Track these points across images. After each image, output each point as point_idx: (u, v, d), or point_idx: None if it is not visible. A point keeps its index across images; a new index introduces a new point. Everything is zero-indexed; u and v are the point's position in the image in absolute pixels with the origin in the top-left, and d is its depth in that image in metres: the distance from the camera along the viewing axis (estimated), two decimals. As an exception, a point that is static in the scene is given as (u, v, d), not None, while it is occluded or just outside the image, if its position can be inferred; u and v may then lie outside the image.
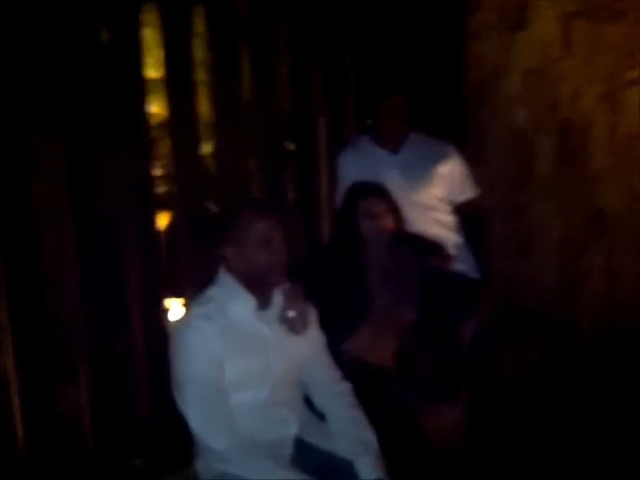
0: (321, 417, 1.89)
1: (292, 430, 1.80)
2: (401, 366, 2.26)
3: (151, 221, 2.35)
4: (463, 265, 2.49)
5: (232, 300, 1.73)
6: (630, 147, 3.17)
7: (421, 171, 2.44)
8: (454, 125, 3.53)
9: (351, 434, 1.80)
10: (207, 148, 2.56)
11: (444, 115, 3.51)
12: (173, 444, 1.87)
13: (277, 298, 1.81)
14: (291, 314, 1.79)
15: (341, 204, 2.32)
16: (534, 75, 3.38)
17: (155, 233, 2.38)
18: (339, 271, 2.20)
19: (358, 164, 2.49)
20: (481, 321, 2.41)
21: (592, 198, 3.28)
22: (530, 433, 2.80)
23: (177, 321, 1.90)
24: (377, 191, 2.21)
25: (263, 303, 1.78)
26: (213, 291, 1.77)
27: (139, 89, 2.27)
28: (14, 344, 1.94)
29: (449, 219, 2.52)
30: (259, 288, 1.75)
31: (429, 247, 2.32)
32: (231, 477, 1.65)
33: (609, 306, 3.29)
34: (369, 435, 1.81)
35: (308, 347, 1.86)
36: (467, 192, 2.53)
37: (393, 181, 2.36)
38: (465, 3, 3.48)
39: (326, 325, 2.13)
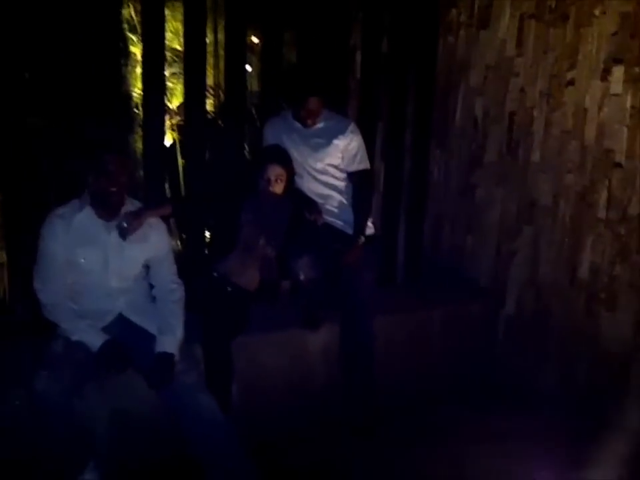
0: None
1: (116, 308, 2.50)
2: (264, 290, 2.92)
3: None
4: (340, 221, 3.08)
5: (80, 208, 2.44)
6: (562, 144, 3.40)
7: (320, 143, 3.01)
8: (422, 112, 4.00)
9: (164, 319, 2.48)
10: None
11: (416, 103, 3.99)
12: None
13: (123, 213, 2.47)
14: (123, 224, 2.45)
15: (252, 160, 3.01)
16: (491, 70, 3.71)
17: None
18: (230, 205, 2.85)
19: (278, 131, 3.09)
20: (347, 266, 2.99)
21: (527, 188, 3.58)
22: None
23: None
24: (278, 159, 2.82)
25: (108, 215, 2.45)
26: (75, 201, 2.48)
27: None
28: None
29: (337, 183, 3.07)
30: (102, 204, 2.43)
31: (305, 203, 2.94)
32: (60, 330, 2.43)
33: (529, 286, 3.62)
34: (177, 324, 2.48)
35: (145, 251, 2.53)
36: (358, 164, 3.07)
37: (298, 149, 3.02)
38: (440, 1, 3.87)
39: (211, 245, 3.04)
